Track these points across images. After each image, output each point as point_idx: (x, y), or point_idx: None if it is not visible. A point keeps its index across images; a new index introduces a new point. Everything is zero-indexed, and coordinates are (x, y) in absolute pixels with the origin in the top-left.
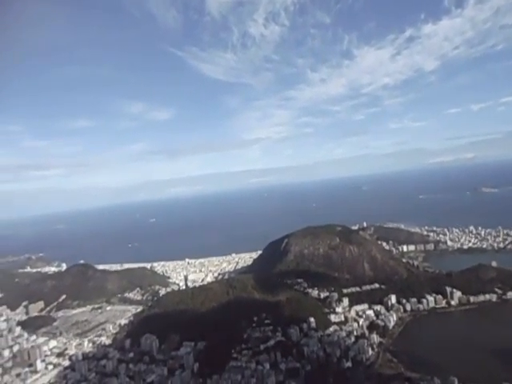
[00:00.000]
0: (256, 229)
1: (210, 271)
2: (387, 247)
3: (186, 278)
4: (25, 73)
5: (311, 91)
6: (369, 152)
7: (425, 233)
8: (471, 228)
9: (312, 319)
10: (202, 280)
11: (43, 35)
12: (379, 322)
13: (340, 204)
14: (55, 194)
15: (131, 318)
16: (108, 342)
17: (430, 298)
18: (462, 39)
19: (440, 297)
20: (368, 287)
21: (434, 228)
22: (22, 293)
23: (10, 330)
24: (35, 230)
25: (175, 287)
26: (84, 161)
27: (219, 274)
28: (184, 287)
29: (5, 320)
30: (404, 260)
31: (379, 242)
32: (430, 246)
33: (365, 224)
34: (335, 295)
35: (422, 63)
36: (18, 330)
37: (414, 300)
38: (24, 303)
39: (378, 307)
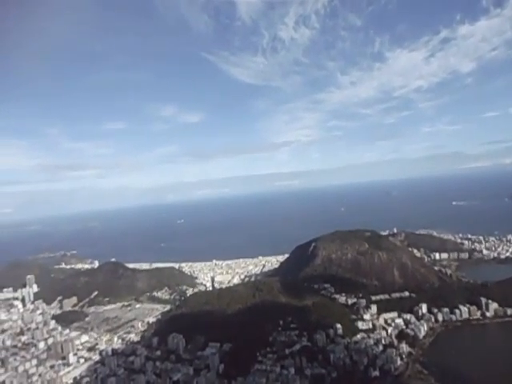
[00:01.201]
0: (283, 232)
1: (237, 273)
2: (418, 254)
3: (212, 279)
4: (63, 78)
5: (341, 94)
6: (400, 156)
7: (459, 240)
8: (509, 237)
9: (339, 325)
10: (229, 282)
11: (82, 42)
12: (409, 331)
13: (369, 209)
14: (90, 193)
15: (159, 317)
16: (136, 339)
17: (464, 309)
18: (501, 40)
19: (474, 308)
20: (397, 295)
21: (469, 236)
22: (57, 288)
23: (46, 324)
24: (70, 227)
25: (202, 288)
26: (117, 162)
27: (246, 277)
28: (211, 288)
29: (41, 313)
30: (436, 268)
31: (410, 249)
32: (465, 255)
33: (395, 230)
34: (363, 302)
35: (458, 65)
36: (52, 323)
37: (446, 310)
38: (59, 298)
39: (407, 316)
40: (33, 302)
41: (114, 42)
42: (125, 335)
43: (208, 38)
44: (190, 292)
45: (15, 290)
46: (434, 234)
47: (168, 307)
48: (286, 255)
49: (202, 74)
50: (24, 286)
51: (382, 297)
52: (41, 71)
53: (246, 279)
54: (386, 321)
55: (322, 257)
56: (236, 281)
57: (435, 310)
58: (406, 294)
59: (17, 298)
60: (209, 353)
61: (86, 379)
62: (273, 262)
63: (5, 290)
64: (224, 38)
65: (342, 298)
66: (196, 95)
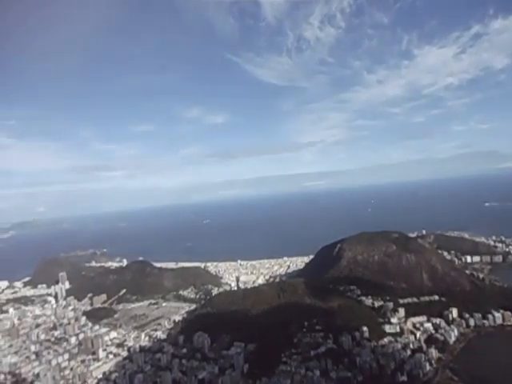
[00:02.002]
0: (308, 233)
1: (262, 273)
2: (449, 257)
3: (237, 279)
4: (94, 82)
5: (367, 93)
6: (429, 156)
7: (492, 243)
8: None
9: (365, 328)
10: (254, 282)
11: (112, 48)
12: (438, 336)
13: (397, 210)
14: (119, 193)
15: (185, 315)
16: (163, 336)
17: (497, 315)
18: None
19: (509, 313)
20: (426, 298)
21: (503, 238)
22: (87, 285)
23: (77, 319)
24: (100, 226)
25: (227, 287)
26: (144, 163)
27: (270, 277)
28: (236, 288)
29: (72, 309)
30: (467, 272)
31: (439, 252)
32: (498, 258)
33: (424, 231)
34: (390, 305)
35: (490, 61)
36: (83, 319)
37: (478, 315)
38: (89, 295)
39: (437, 320)
40: (65, 299)
41: (142, 47)
42: (152, 332)
43: (233, 39)
44: (215, 291)
45: (49, 287)
46: (466, 236)
47: (194, 306)
48: (311, 256)
49: (227, 75)
50: (57, 282)
51: (410, 300)
52: (73, 77)
53: (271, 280)
54: (414, 325)
55: (348, 258)
56: (261, 281)
57: (466, 315)
58: (436, 297)
59: (50, 294)
60: (234, 352)
61: (115, 375)
62: (298, 262)
63: (39, 286)
64: (249, 40)
65: (368, 301)
66: (221, 97)
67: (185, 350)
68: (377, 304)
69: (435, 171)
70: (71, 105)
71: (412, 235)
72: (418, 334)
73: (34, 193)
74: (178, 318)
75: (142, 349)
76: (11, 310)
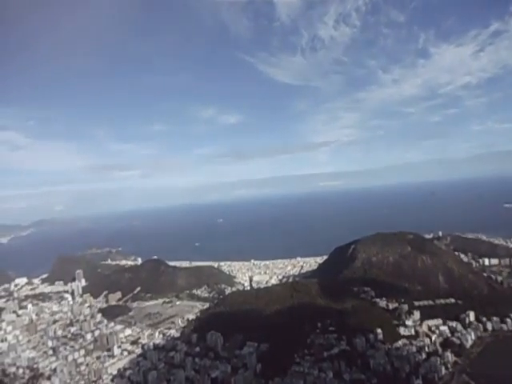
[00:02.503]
0: (322, 233)
1: (275, 273)
2: (465, 259)
3: (250, 279)
4: (109, 83)
5: (382, 92)
6: (446, 156)
7: (511, 246)
8: None
9: (379, 330)
10: (267, 282)
11: (126, 48)
12: (455, 339)
13: (413, 210)
14: (134, 192)
15: (198, 314)
16: (177, 334)
17: None
18: None
19: None
20: (442, 301)
21: None
22: (103, 283)
23: (93, 316)
24: (115, 225)
25: (240, 287)
26: (159, 162)
27: (283, 277)
28: (249, 288)
29: (88, 306)
30: (485, 274)
31: (456, 253)
32: None
33: (440, 233)
34: (405, 307)
35: (510, 59)
36: (99, 316)
37: (496, 319)
38: (104, 292)
39: (453, 323)
40: (81, 296)
41: (156, 48)
42: (165, 331)
43: (247, 40)
44: (228, 291)
45: (66, 284)
46: (484, 238)
47: (207, 305)
48: (325, 257)
49: (242, 75)
50: (73, 279)
51: (425, 302)
52: (89, 78)
53: (284, 280)
54: (429, 328)
55: (362, 259)
56: (274, 281)
57: (484, 319)
58: (452, 300)
59: (67, 291)
60: (246, 352)
61: (129, 371)
62: (311, 263)
63: (56, 283)
64: (263, 40)
65: (382, 303)
66: (235, 97)
67: (198, 349)
68: (391, 306)
69: (452, 171)
70: (88, 105)
71: (428, 236)
72: (433, 337)
73: (52, 192)
74: (191, 316)
75: (155, 346)
76: (30, 306)
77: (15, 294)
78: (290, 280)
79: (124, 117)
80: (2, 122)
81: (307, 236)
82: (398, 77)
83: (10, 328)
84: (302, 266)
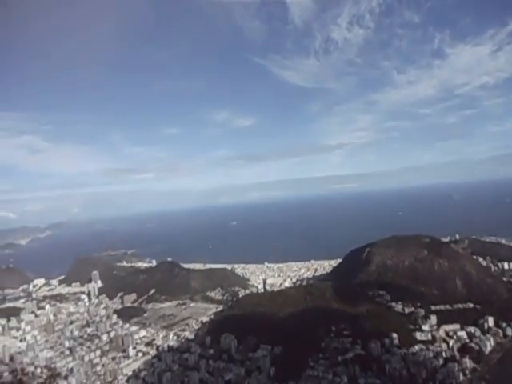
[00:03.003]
0: (336, 236)
1: (289, 276)
2: (484, 263)
3: (264, 282)
4: (123, 87)
5: (397, 94)
6: (463, 157)
7: None
8: None
9: (395, 335)
10: (280, 285)
11: (140, 53)
12: (473, 345)
13: (429, 213)
14: (148, 195)
15: (212, 316)
16: (191, 336)
17: None
18: None
19: None
20: (460, 306)
21: None
22: (118, 284)
23: (108, 317)
24: (130, 227)
25: (254, 290)
26: (172, 165)
27: (297, 280)
28: (262, 290)
29: (104, 307)
30: (505, 279)
31: (474, 257)
32: None
33: (457, 236)
34: (421, 311)
35: None
36: (114, 317)
37: None
38: (120, 294)
39: (471, 329)
40: (97, 297)
41: (169, 51)
42: (180, 332)
43: (260, 43)
44: (242, 293)
45: (82, 285)
46: (503, 241)
47: (221, 307)
48: (339, 260)
49: (254, 78)
50: (90, 281)
51: (442, 307)
52: (103, 83)
53: (298, 283)
54: (447, 333)
55: (377, 262)
56: (287, 284)
57: (504, 324)
58: (470, 305)
59: (83, 292)
60: (260, 355)
61: (144, 372)
62: (325, 266)
63: (73, 284)
64: (276, 42)
65: (398, 307)
66: (248, 99)
67: (212, 351)
68: (407, 310)
69: (470, 173)
70: (103, 110)
71: (445, 240)
72: (451, 343)
73: (68, 194)
74: (205, 318)
75: (170, 348)
76: (47, 306)
77: (34, 295)
78: (304, 283)
79: (138, 120)
80: (21, 127)
81: (321, 239)
82: (413, 78)
83: (28, 328)
84: (316, 269)
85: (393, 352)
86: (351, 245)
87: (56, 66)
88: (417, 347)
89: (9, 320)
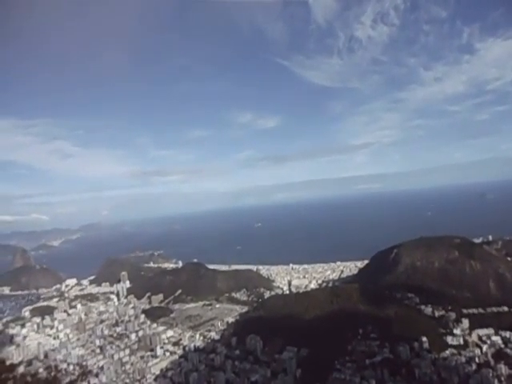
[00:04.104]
0: (362, 237)
1: (314, 278)
2: None
3: (289, 283)
4: (149, 92)
5: (425, 91)
6: (496, 155)
7: None
8: None
9: (424, 338)
10: (306, 286)
11: (166, 57)
12: (508, 350)
13: (460, 213)
14: (174, 197)
15: (237, 317)
16: (216, 337)
17: None
18: None
19: None
20: (494, 309)
21: None
22: (146, 285)
23: (137, 317)
24: (157, 229)
25: (279, 291)
26: (198, 167)
27: (323, 282)
28: (287, 292)
29: (132, 307)
30: None
31: (509, 259)
32: None
33: (490, 237)
34: (453, 315)
35: None
36: (142, 317)
37: None
38: (147, 294)
39: (507, 334)
40: (126, 297)
41: (195, 55)
42: (206, 333)
43: (283, 44)
44: (267, 294)
45: (111, 285)
46: None
47: (246, 308)
48: (366, 261)
49: (278, 79)
50: (119, 281)
51: (475, 310)
52: (131, 87)
53: (324, 284)
54: (480, 337)
55: (406, 264)
56: (313, 286)
57: None
58: (505, 309)
59: (112, 292)
60: (286, 357)
61: (171, 372)
62: (351, 267)
63: (103, 284)
64: (299, 43)
65: (427, 310)
66: (272, 101)
67: (238, 352)
68: (437, 313)
69: (504, 171)
70: (130, 114)
71: (477, 241)
72: (484, 348)
73: (98, 197)
74: (230, 319)
75: (196, 348)
76: (79, 305)
77: (66, 294)
78: (330, 285)
79: (164, 124)
80: (53, 132)
81: (347, 240)
82: (441, 74)
83: (61, 326)
84: (341, 271)
85: (423, 356)
86: (378, 246)
87: (85, 76)
88: (448, 352)
89: (43, 318)
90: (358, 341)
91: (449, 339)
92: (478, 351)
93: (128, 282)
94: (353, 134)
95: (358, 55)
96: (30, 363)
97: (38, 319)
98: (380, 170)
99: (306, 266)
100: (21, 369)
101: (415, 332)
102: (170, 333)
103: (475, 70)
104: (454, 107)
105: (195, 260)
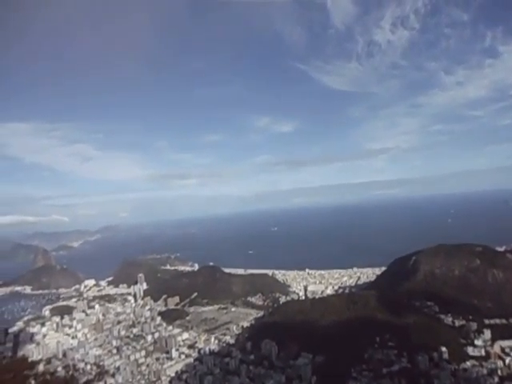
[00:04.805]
0: (380, 243)
1: (330, 284)
2: None
3: (305, 289)
4: (169, 96)
5: (445, 96)
6: None
7: None
8: None
9: (444, 349)
10: (322, 292)
11: (182, 62)
12: None
13: (482, 221)
14: (191, 200)
15: (253, 322)
16: (232, 341)
17: None
18: None
19: None
20: None
21: None
22: (162, 287)
23: (153, 319)
24: (174, 232)
25: (295, 296)
26: (215, 171)
27: (339, 288)
28: (303, 297)
29: (149, 309)
30: None
31: None
32: None
33: None
34: (474, 325)
35: None
36: (158, 319)
37: None
38: (164, 296)
39: None
40: (143, 298)
41: (213, 60)
42: (221, 336)
43: (301, 48)
44: (282, 299)
45: (129, 286)
46: None
47: (261, 313)
48: (384, 268)
49: (295, 84)
50: (136, 283)
51: (497, 321)
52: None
53: (340, 291)
54: (502, 349)
55: (425, 272)
56: (329, 291)
57: None
58: None
59: (130, 294)
60: (301, 363)
61: (186, 374)
62: (369, 274)
63: (120, 285)
64: (317, 48)
65: (447, 319)
66: (289, 105)
67: (252, 357)
68: (458, 323)
69: None
70: (149, 118)
71: (500, 249)
72: (507, 360)
73: (117, 199)
74: (246, 323)
75: (211, 352)
76: (97, 306)
77: (84, 295)
78: (347, 291)
79: (182, 128)
80: (74, 136)
81: (364, 245)
82: (463, 78)
83: (79, 326)
84: (358, 277)
85: (442, 367)
86: (396, 252)
87: (105, 81)
88: (469, 363)
89: (62, 318)
90: (375, 349)
91: (469, 350)
92: (500, 363)
93: (145, 284)
94: (371, 138)
95: (377, 60)
96: (49, 361)
97: (57, 318)
98: (399, 175)
99: (322, 271)
100: (40, 367)
101: (434, 342)
102: (185, 335)
103: (498, 73)
104: (475, 112)
105: (211, 263)
